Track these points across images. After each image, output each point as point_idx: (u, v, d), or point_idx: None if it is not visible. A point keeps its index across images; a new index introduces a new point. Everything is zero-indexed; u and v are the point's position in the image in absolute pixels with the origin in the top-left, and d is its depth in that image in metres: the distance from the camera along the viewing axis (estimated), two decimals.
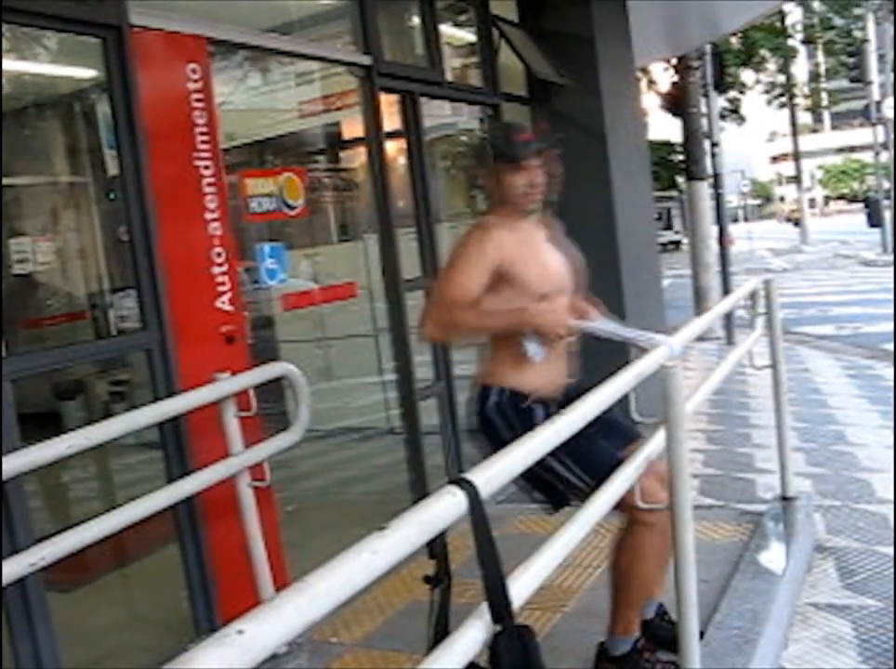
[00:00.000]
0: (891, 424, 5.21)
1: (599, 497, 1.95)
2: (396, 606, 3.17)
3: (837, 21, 27.22)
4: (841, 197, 65.53)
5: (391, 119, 4.20)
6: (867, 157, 42.10)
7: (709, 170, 10.29)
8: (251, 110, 5.69)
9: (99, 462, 4.12)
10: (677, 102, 10.46)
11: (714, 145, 10.08)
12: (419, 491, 4.04)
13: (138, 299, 2.87)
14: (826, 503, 4.06)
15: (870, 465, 4.61)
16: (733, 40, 21.62)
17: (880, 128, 22.13)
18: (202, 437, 2.88)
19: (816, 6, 27.14)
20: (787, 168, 53.21)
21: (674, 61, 10.91)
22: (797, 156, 30.76)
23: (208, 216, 2.98)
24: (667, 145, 26.69)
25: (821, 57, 33.97)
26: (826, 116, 66.06)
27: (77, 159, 4.58)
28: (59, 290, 4.54)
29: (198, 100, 2.97)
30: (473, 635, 1.35)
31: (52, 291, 4.50)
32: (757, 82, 27.13)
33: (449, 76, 4.83)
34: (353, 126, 4.80)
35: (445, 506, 1.27)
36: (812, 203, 56.77)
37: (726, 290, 9.57)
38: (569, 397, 2.06)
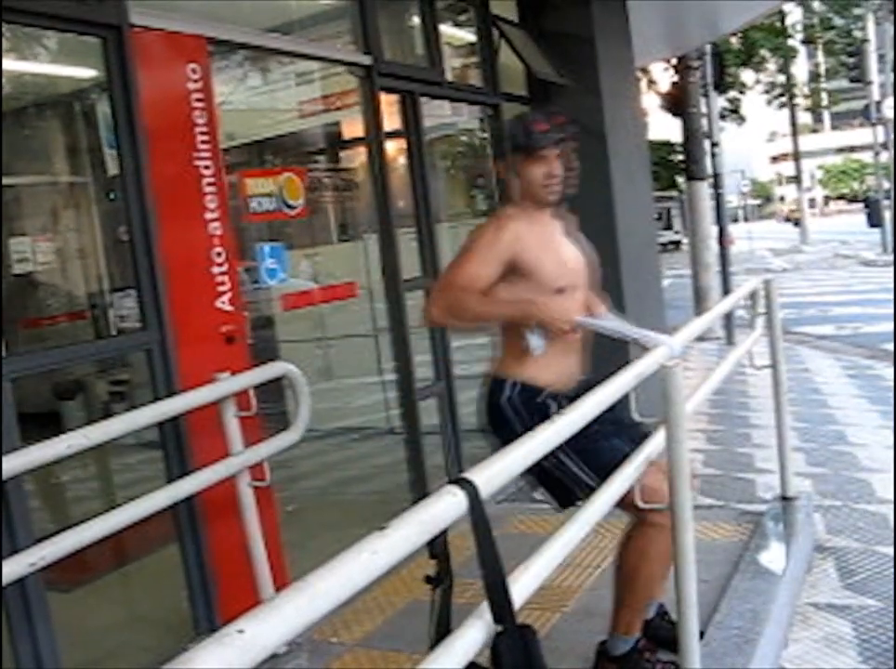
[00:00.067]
0: (891, 424, 5.21)
1: (599, 497, 1.95)
2: (396, 606, 3.17)
3: (837, 21, 27.23)
4: (841, 197, 65.54)
5: (391, 119, 4.20)
6: (867, 157, 42.09)
7: (709, 170, 10.30)
8: (251, 110, 5.70)
9: (99, 462, 4.12)
10: (677, 102, 10.46)
11: (714, 145, 10.08)
12: (419, 491, 4.04)
13: (138, 299, 2.87)
14: (826, 503, 4.06)
15: (870, 465, 4.61)
16: (733, 40, 21.62)
17: (880, 128, 22.14)
18: (202, 437, 2.88)
19: (816, 6, 27.15)
20: (787, 168, 53.21)
21: (674, 61, 10.91)
22: (796, 156, 30.77)
23: (208, 215, 2.98)
24: (667, 145, 26.69)
25: (821, 57, 33.98)
26: (826, 116, 66.06)
27: (77, 159, 4.59)
28: (59, 290, 4.55)
29: (198, 100, 2.97)
30: (473, 634, 1.35)
31: (52, 291, 4.50)
32: (757, 82, 27.12)
33: (449, 76, 4.83)
34: (353, 126, 4.80)
35: (445, 506, 1.27)
36: (812, 203, 56.79)
37: (726, 290, 9.57)
38: (580, 393, 2.05)
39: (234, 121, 5.15)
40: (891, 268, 13.87)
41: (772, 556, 3.26)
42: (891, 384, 6.48)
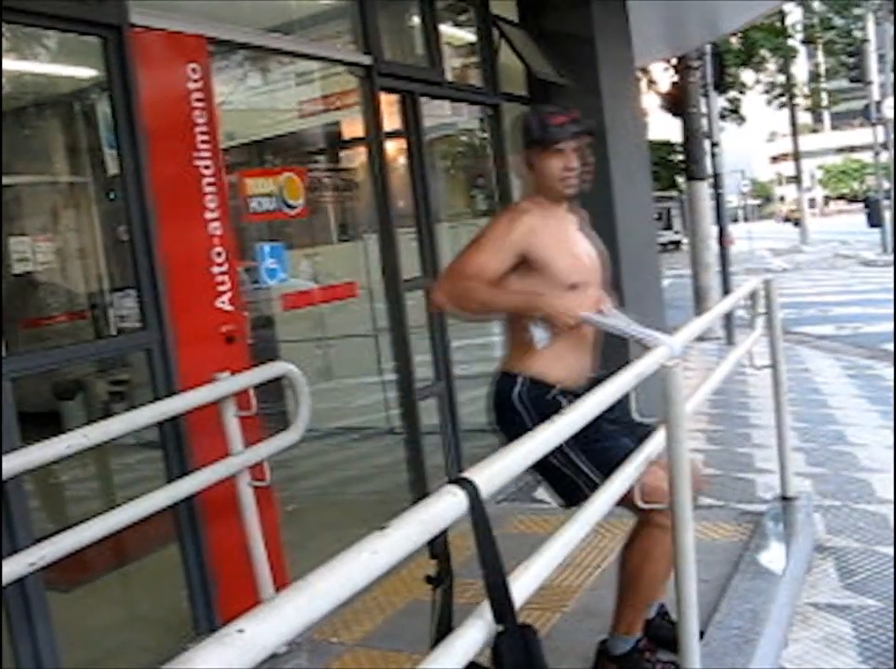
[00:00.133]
0: (891, 424, 5.21)
1: (599, 497, 1.95)
2: (396, 606, 3.16)
3: (837, 21, 27.23)
4: (841, 197, 65.54)
5: (391, 119, 4.20)
6: (867, 157, 42.10)
7: (709, 170, 10.29)
8: (251, 109, 5.70)
9: (99, 462, 4.12)
10: (677, 102, 10.46)
11: (714, 145, 10.08)
12: (419, 491, 4.04)
13: (138, 299, 2.87)
14: (826, 503, 4.06)
15: (870, 465, 4.61)
16: (733, 40, 21.62)
17: (880, 128, 22.15)
18: (201, 436, 2.88)
19: (816, 6, 27.15)
20: (787, 168, 53.21)
21: (674, 61, 10.91)
22: (796, 156, 30.76)
23: (208, 215, 2.98)
24: (667, 145, 26.69)
25: (821, 57, 33.98)
26: (826, 116, 66.07)
27: (77, 158, 4.59)
28: (59, 289, 4.54)
29: (198, 100, 2.97)
30: (474, 634, 1.34)
31: (52, 290, 4.50)
32: (757, 82, 27.12)
33: (449, 76, 4.83)
34: (353, 126, 4.80)
35: (446, 506, 1.27)
36: (812, 203, 56.79)
37: (726, 290, 9.57)
38: (590, 390, 2.03)
39: (234, 121, 5.15)
40: (891, 268, 13.87)
41: (772, 556, 3.26)
42: (891, 384, 6.48)
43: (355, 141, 5.12)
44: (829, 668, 2.66)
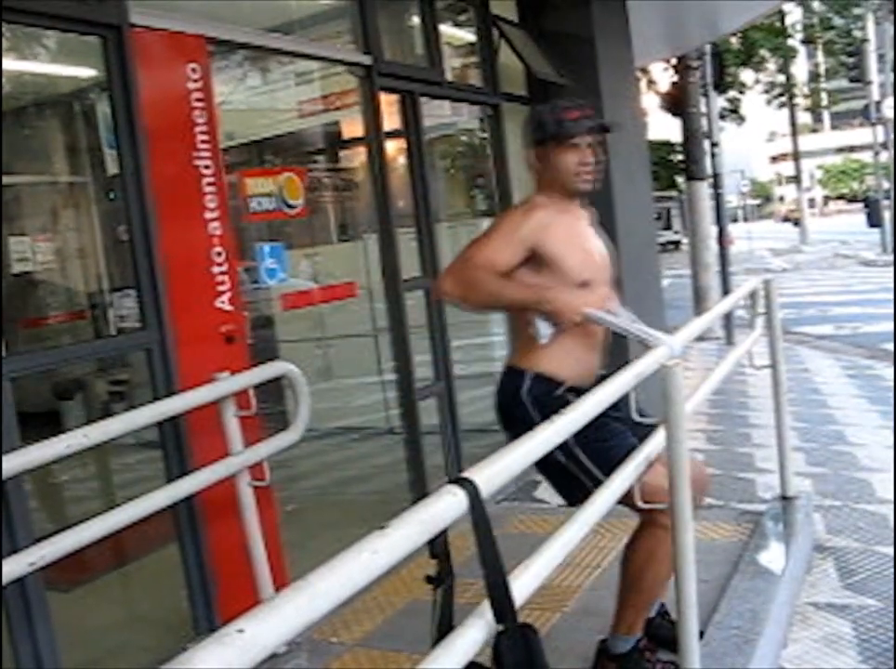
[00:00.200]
0: (891, 424, 5.21)
1: (598, 497, 1.95)
2: (396, 606, 3.16)
3: (837, 21, 27.20)
4: (841, 197, 65.52)
5: (391, 119, 4.20)
6: (867, 157, 42.09)
7: (709, 170, 10.30)
8: (251, 109, 5.70)
9: (99, 461, 4.12)
10: (676, 102, 10.46)
11: (714, 145, 10.08)
12: (419, 491, 4.04)
13: (138, 299, 2.87)
14: (826, 503, 4.06)
15: (870, 465, 4.61)
16: (733, 40, 21.60)
17: (880, 128, 22.16)
18: (201, 436, 2.88)
19: (816, 6, 27.13)
20: (787, 168, 53.19)
21: (674, 61, 10.92)
22: (796, 156, 30.77)
23: (208, 215, 2.98)
24: (667, 145, 26.68)
25: (821, 57, 33.96)
26: (826, 116, 66.06)
27: (77, 158, 4.59)
28: (59, 289, 4.55)
29: (198, 100, 2.97)
30: (474, 634, 1.34)
31: (52, 290, 4.50)
32: (757, 82, 27.10)
33: (449, 76, 4.83)
34: (353, 126, 4.80)
35: (446, 506, 1.27)
36: (812, 202, 56.78)
37: (726, 290, 9.57)
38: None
39: (234, 121, 5.15)
40: (891, 268, 13.87)
41: (772, 555, 3.26)
42: (891, 384, 6.48)
43: (355, 141, 5.12)
44: (829, 668, 2.66)
